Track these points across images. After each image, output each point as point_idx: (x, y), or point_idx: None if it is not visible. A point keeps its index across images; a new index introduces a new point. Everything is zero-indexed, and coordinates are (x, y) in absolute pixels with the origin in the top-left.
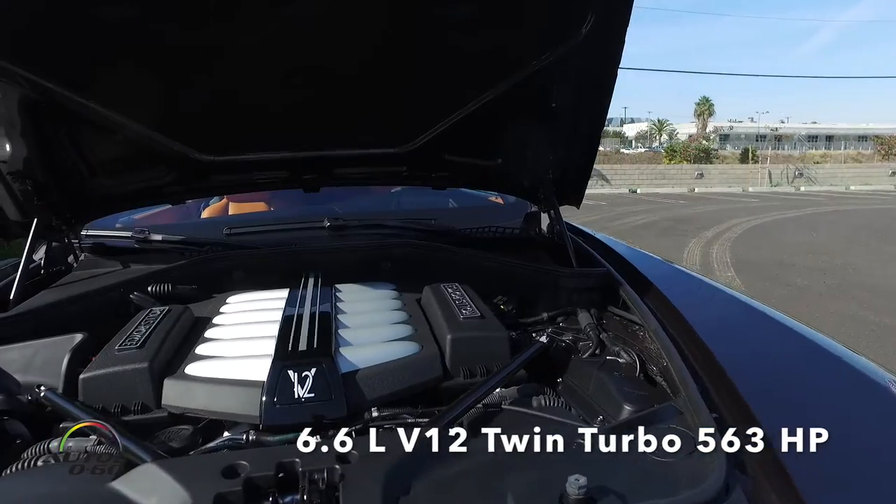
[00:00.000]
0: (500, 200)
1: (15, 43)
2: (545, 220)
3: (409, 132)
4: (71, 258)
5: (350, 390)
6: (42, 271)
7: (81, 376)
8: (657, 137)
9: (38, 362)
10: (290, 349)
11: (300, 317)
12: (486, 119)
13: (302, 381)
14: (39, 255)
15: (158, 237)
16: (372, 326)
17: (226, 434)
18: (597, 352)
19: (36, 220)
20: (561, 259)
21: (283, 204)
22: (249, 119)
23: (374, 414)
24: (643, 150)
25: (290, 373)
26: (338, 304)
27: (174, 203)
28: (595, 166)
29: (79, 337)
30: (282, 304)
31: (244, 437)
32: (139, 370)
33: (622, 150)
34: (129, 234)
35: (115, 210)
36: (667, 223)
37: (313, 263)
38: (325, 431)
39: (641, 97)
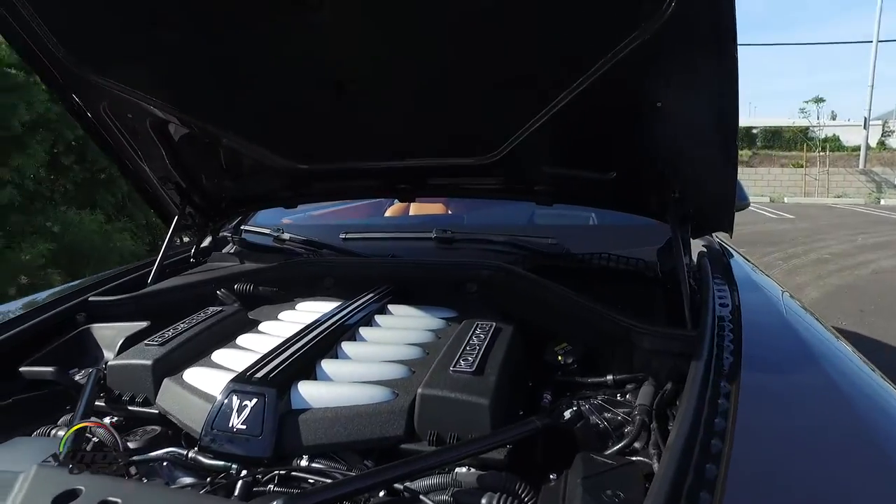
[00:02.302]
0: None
1: (145, 76)
2: (699, 245)
3: (493, 140)
4: (228, 248)
5: (287, 430)
6: (192, 260)
7: (108, 363)
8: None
9: (114, 344)
10: (249, 373)
11: (306, 336)
12: (580, 124)
13: (240, 410)
14: (206, 243)
15: (287, 236)
16: (370, 361)
17: (171, 448)
18: (635, 445)
19: (177, 216)
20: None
21: (459, 208)
22: (340, 129)
23: (303, 463)
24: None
25: (235, 398)
26: (364, 327)
27: (287, 207)
28: None
29: (140, 326)
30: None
31: (186, 454)
32: (144, 367)
33: None
34: (267, 231)
35: (244, 211)
36: None
37: (394, 277)
38: (252, 468)
39: None
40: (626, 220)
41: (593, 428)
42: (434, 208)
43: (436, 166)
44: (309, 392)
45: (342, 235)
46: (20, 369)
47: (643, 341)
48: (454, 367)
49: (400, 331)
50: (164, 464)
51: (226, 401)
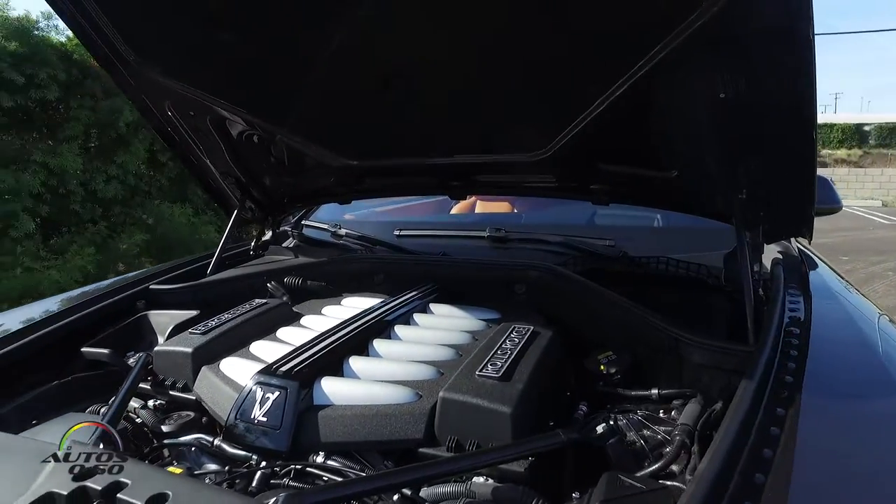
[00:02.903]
0: None
1: (203, 75)
2: (774, 251)
3: (543, 136)
4: (288, 242)
5: (306, 426)
6: (251, 253)
7: (155, 348)
8: None
9: (167, 330)
10: (276, 366)
11: (339, 332)
12: (636, 118)
13: (262, 402)
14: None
15: (343, 232)
16: (399, 360)
17: (200, 434)
18: (672, 468)
19: (236, 210)
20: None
21: (524, 207)
22: (389, 126)
23: (319, 459)
24: None
25: (258, 390)
26: (401, 325)
27: (342, 203)
28: None
29: (191, 314)
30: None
31: (212, 441)
32: (185, 354)
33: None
34: (325, 226)
35: (301, 206)
36: None
37: (441, 276)
38: (271, 461)
39: None
40: (694, 222)
41: (628, 446)
42: (500, 206)
43: (486, 163)
44: (332, 388)
45: (396, 232)
46: (82, 349)
47: (693, 354)
48: (480, 371)
49: (436, 331)
50: (193, 449)
51: (250, 392)
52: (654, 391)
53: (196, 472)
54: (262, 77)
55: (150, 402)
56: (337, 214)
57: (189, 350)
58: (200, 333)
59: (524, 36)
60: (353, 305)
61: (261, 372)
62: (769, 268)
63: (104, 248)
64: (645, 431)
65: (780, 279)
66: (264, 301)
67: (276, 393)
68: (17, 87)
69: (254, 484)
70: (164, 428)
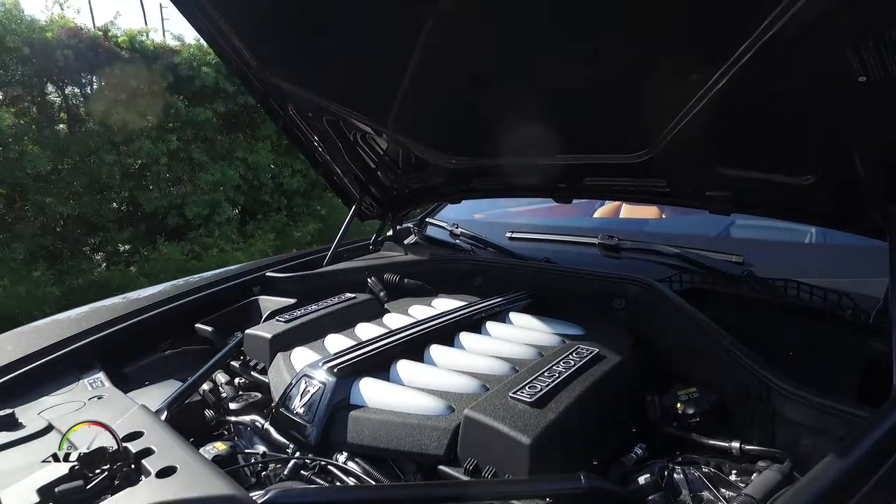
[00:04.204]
0: None
1: (312, 77)
2: None
3: (644, 133)
4: (410, 238)
5: (336, 423)
6: (370, 248)
7: (245, 332)
8: None
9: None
10: (325, 361)
11: (401, 334)
12: (756, 110)
13: (303, 395)
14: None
15: (459, 231)
16: (448, 370)
17: (255, 416)
18: None
19: (353, 206)
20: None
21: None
22: (487, 125)
23: (341, 459)
24: None
25: (303, 383)
26: (467, 332)
27: (452, 202)
28: None
29: (289, 302)
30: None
31: (263, 425)
32: (265, 339)
33: None
34: (444, 224)
35: (418, 204)
36: None
37: (536, 283)
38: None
39: None
40: (854, 240)
41: None
42: (646, 212)
43: (590, 165)
44: (368, 390)
45: (507, 234)
46: (195, 325)
47: (786, 408)
48: (514, 392)
49: (503, 342)
50: (248, 429)
51: (296, 383)
52: (736, 444)
53: (244, 452)
54: (364, 77)
55: (236, 380)
56: (466, 213)
57: (269, 336)
58: (284, 321)
59: (619, 23)
60: (441, 307)
61: (309, 365)
62: None
63: (282, 235)
64: (705, 493)
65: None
66: (353, 296)
67: (316, 387)
68: (228, 95)
69: (285, 472)
70: (232, 405)
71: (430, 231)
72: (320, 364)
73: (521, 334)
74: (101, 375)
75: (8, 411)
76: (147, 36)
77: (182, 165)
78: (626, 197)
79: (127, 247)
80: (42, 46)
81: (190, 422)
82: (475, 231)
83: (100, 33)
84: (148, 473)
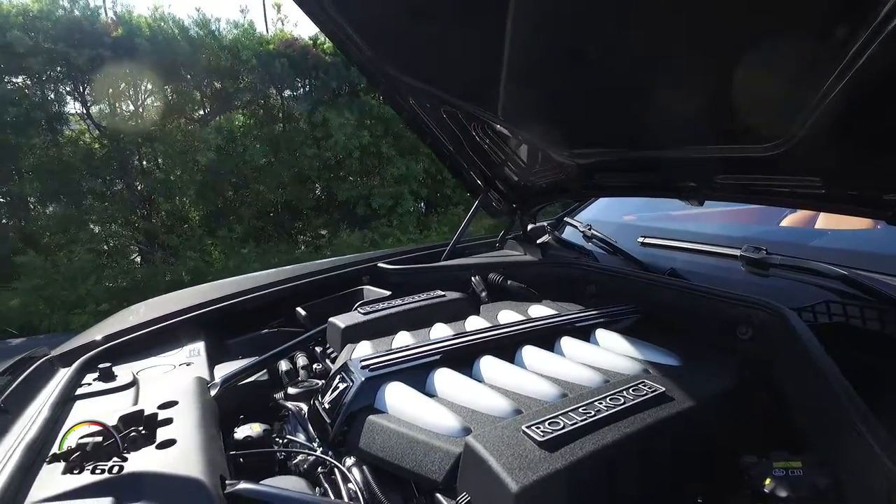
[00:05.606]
0: None
1: (423, 68)
2: None
3: (779, 119)
4: (545, 238)
5: (354, 425)
6: (497, 245)
7: (329, 319)
8: None
9: None
10: (365, 359)
11: (460, 340)
12: None
13: (334, 391)
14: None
15: (591, 233)
16: (490, 386)
17: (300, 404)
18: None
19: (476, 201)
20: None
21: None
22: (608, 113)
23: (348, 462)
24: None
25: (337, 378)
26: (532, 347)
27: (575, 199)
28: None
29: (384, 293)
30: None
31: (303, 413)
32: (338, 329)
33: None
34: (578, 224)
35: (547, 200)
36: None
37: (647, 298)
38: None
39: None
40: None
41: None
42: (854, 221)
43: (720, 158)
44: (394, 397)
45: (640, 239)
46: (296, 308)
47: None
48: (529, 426)
49: (569, 363)
50: (293, 415)
51: (333, 378)
52: None
53: (275, 438)
54: (465, 62)
55: (314, 366)
56: (616, 212)
57: (342, 326)
58: (363, 313)
59: None
60: (535, 313)
61: (350, 361)
62: None
63: (456, 229)
64: None
65: None
66: (443, 294)
67: (344, 385)
68: None
69: (305, 466)
70: (290, 390)
71: (566, 231)
72: (359, 363)
73: (597, 356)
74: (200, 346)
75: (107, 365)
76: None
77: (372, 159)
78: (766, 199)
79: (324, 232)
80: (265, 57)
81: (255, 400)
82: (609, 234)
83: (309, 42)
84: (153, 442)
